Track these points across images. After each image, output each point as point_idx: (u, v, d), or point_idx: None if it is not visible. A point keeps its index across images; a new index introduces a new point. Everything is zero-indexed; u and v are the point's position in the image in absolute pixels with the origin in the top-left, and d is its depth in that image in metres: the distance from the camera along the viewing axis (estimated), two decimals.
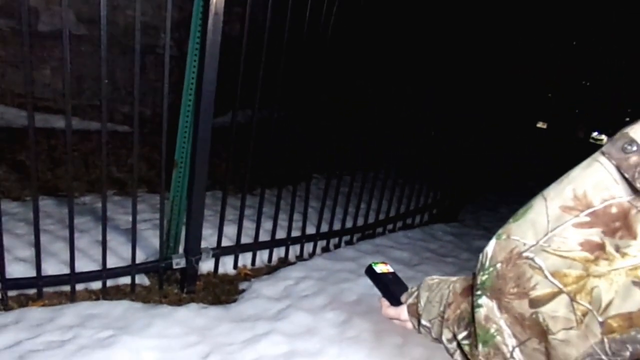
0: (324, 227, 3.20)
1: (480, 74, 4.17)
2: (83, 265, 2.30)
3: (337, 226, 3.28)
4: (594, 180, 0.55)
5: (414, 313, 0.87)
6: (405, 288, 0.94)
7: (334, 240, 3.34)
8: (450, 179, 4.45)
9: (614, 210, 0.53)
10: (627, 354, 0.52)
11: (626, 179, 0.52)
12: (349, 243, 3.41)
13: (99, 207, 2.21)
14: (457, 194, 4.67)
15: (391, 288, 0.95)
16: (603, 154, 0.55)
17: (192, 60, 2.21)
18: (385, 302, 0.95)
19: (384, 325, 2.16)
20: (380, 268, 1.00)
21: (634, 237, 0.51)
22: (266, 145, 2.66)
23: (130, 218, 2.31)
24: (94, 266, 2.35)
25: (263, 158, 2.75)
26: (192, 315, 2.24)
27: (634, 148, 0.52)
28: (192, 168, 2.35)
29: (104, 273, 2.29)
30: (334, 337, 2.16)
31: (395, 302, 0.93)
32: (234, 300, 2.50)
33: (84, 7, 4.11)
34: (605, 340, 0.53)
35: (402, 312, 0.90)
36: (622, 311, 0.51)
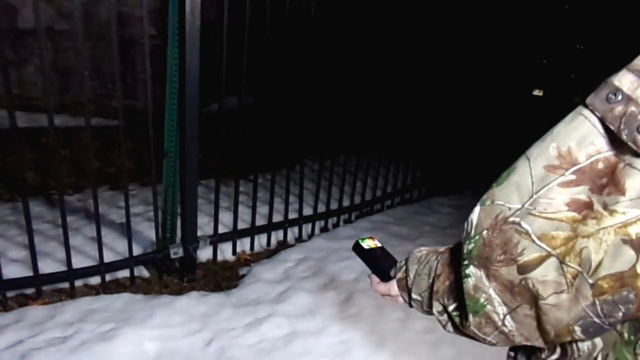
0: (322, 208, 3.19)
1: (472, 42, 4.09)
2: (80, 262, 2.29)
3: (334, 206, 3.27)
4: (578, 135, 0.52)
5: (404, 287, 0.85)
6: (394, 262, 0.92)
7: (332, 220, 3.32)
8: (446, 151, 4.41)
9: (600, 165, 0.50)
10: (620, 314, 0.50)
11: (611, 131, 0.49)
12: (348, 222, 3.40)
13: (92, 203, 2.19)
14: (454, 166, 4.64)
15: (380, 263, 0.93)
16: (586, 106, 0.52)
17: (172, 46, 2.16)
18: (375, 279, 0.92)
19: (385, 300, 2.15)
20: (367, 243, 0.97)
21: (622, 193, 0.48)
22: (257, 130, 2.63)
23: (124, 212, 2.29)
24: (91, 262, 2.34)
25: (255, 143, 2.71)
26: (193, 303, 2.24)
27: (619, 97, 0.48)
28: (182, 157, 2.32)
29: (102, 267, 2.28)
30: (335, 316, 2.16)
31: (385, 277, 0.90)
32: (235, 286, 2.50)
33: (66, 1, 4.01)
34: (597, 302, 0.50)
35: (392, 287, 0.88)
36: (613, 271, 0.49)
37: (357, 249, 0.97)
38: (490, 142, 6.00)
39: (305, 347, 1.93)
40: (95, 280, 2.34)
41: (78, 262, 2.24)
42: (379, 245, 0.98)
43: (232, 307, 2.24)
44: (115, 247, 2.55)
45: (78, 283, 2.26)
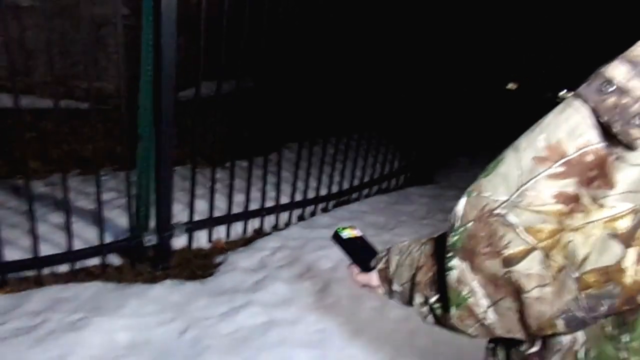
0: (299, 196, 3.16)
1: (447, 35, 4.10)
2: (47, 250, 2.20)
3: (311, 194, 3.25)
4: (568, 126, 0.51)
5: (385, 278, 0.83)
6: (374, 252, 0.90)
7: (309, 209, 3.31)
8: (423, 141, 4.44)
9: (589, 158, 0.49)
10: (604, 309, 0.50)
11: (602, 124, 0.48)
12: (325, 210, 3.39)
13: (60, 189, 2.10)
14: (431, 156, 4.68)
15: (360, 253, 0.91)
16: (577, 97, 0.51)
17: (147, 26, 2.07)
18: (354, 269, 0.91)
19: (362, 290, 2.16)
20: (347, 233, 0.95)
21: (612, 187, 0.47)
22: (234, 116, 2.57)
23: (94, 198, 2.21)
24: (59, 250, 2.25)
25: (232, 129, 2.66)
26: (167, 292, 2.20)
27: (611, 88, 0.47)
28: (158, 142, 2.25)
29: (71, 255, 2.20)
30: (311, 305, 2.16)
31: (365, 267, 0.89)
32: (210, 274, 2.46)
33: None
34: (581, 296, 0.50)
35: (372, 278, 0.87)
36: (599, 265, 0.48)
37: (337, 238, 0.95)
38: (465, 134, 6.07)
39: (281, 337, 1.92)
40: (63, 268, 2.26)
41: (45, 250, 2.16)
42: (359, 234, 0.96)
43: (207, 296, 2.20)
44: (85, 235, 2.47)
45: (45, 272, 2.18)
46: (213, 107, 2.49)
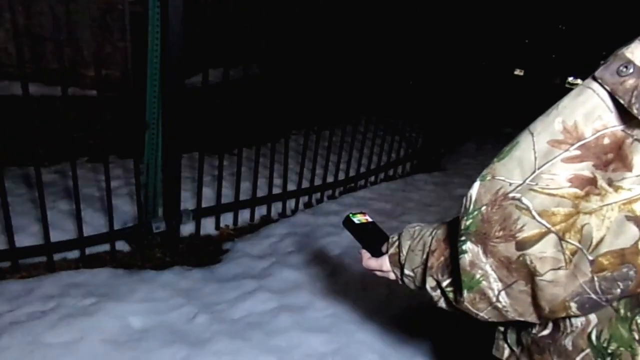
0: (306, 183, 3.17)
1: (455, 21, 4.05)
2: (57, 236, 2.22)
3: (318, 181, 3.25)
4: (585, 109, 0.51)
5: (396, 263, 0.84)
6: (385, 238, 0.91)
7: (316, 196, 3.32)
8: (430, 128, 4.42)
9: (606, 141, 0.49)
10: (618, 291, 0.51)
11: (621, 106, 0.48)
12: (332, 197, 3.39)
13: (70, 176, 2.12)
14: (438, 143, 4.66)
15: (371, 238, 0.92)
16: (595, 79, 0.51)
17: (154, 12, 2.06)
18: (365, 254, 0.92)
19: (371, 275, 2.18)
20: (358, 218, 0.96)
21: (629, 169, 0.47)
22: (242, 103, 2.57)
23: (104, 185, 2.23)
24: (69, 237, 2.28)
25: (240, 116, 2.66)
26: (177, 277, 2.22)
27: (631, 70, 0.47)
28: (165, 129, 2.25)
29: (82, 241, 2.23)
30: (321, 291, 2.18)
31: (376, 252, 0.90)
32: (219, 261, 2.48)
33: None
34: (596, 278, 0.50)
35: (384, 262, 0.87)
36: (614, 248, 0.48)
37: (348, 223, 0.96)
38: (471, 120, 6.03)
39: (291, 322, 1.94)
40: (74, 254, 2.29)
41: (56, 237, 2.19)
42: (370, 220, 0.97)
43: (217, 282, 2.23)
44: (94, 222, 2.50)
45: (56, 257, 2.21)
46: (220, 95, 2.49)
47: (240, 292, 2.13)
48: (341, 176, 3.44)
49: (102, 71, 3.72)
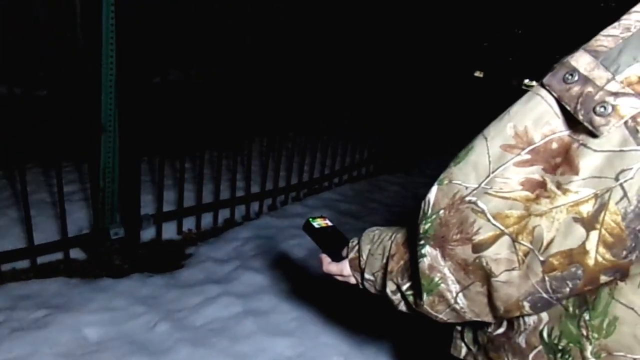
0: (270, 186, 3.14)
1: (415, 23, 4.13)
2: (8, 244, 2.11)
3: (282, 184, 3.23)
4: (535, 115, 0.52)
5: (357, 267, 0.84)
6: (346, 242, 0.90)
7: (280, 198, 3.29)
8: (392, 130, 4.48)
9: (554, 145, 0.51)
10: (567, 290, 0.52)
11: (567, 112, 0.49)
12: (296, 199, 3.38)
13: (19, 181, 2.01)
14: (400, 145, 4.73)
15: (331, 243, 0.91)
16: (543, 86, 0.52)
17: (108, 5, 1.97)
18: (326, 259, 0.91)
19: (334, 278, 2.17)
20: (318, 223, 0.95)
21: (576, 172, 0.49)
22: (203, 105, 2.52)
23: (57, 191, 2.13)
24: (22, 246, 2.17)
25: (202, 119, 2.60)
26: (137, 285, 2.15)
27: (576, 78, 0.49)
28: (122, 132, 2.18)
29: (32, 250, 2.12)
30: (285, 294, 2.16)
31: (337, 257, 0.89)
32: (181, 266, 2.42)
33: None
34: (547, 278, 0.52)
35: (344, 267, 0.87)
36: (563, 248, 0.50)
37: (308, 228, 0.95)
38: (433, 121, 6.15)
39: (256, 326, 1.91)
40: (24, 264, 2.17)
41: (4, 246, 2.07)
42: (330, 224, 0.97)
43: (179, 288, 2.17)
44: (47, 229, 2.38)
45: (5, 268, 2.09)
46: (181, 97, 2.43)
47: (203, 298, 2.08)
48: (305, 178, 3.44)
49: (55, 70, 3.57)
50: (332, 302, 2.15)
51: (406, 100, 4.41)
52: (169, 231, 2.69)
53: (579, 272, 0.50)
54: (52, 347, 1.68)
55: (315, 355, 1.80)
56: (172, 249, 2.62)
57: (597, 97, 0.47)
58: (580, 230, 0.49)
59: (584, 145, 0.48)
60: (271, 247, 2.60)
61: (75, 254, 2.34)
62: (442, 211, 0.59)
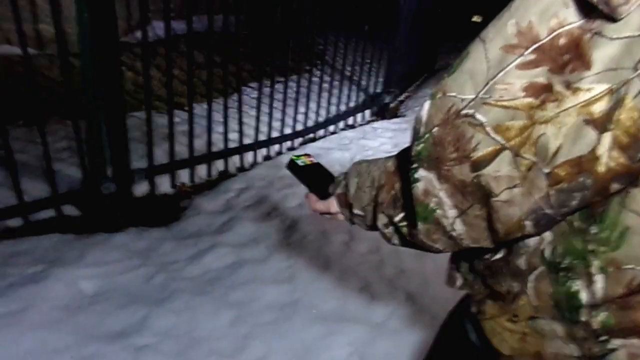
0: (263, 136, 3.07)
1: None
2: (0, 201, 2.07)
3: (276, 133, 3.16)
4: (540, 6, 0.45)
5: (344, 203, 0.79)
6: (332, 178, 0.85)
7: (274, 148, 3.23)
8: (385, 73, 4.35)
9: (562, 41, 0.44)
10: (574, 203, 0.47)
11: None
12: (291, 149, 3.32)
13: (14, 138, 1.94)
14: (394, 88, 4.61)
15: (317, 180, 0.86)
16: None
17: None
18: (312, 197, 0.86)
19: (329, 224, 2.15)
20: (302, 160, 0.90)
21: (588, 67, 0.43)
22: (192, 56, 2.39)
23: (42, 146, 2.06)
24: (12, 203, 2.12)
25: (191, 70, 2.49)
26: (132, 239, 2.13)
27: None
28: (105, 86, 2.08)
29: (23, 207, 2.08)
30: (280, 243, 2.15)
31: (323, 194, 0.84)
32: (176, 219, 2.40)
33: None
34: (551, 192, 0.47)
35: (331, 204, 0.82)
36: (571, 157, 0.45)
37: (292, 167, 0.89)
38: (431, 64, 6.00)
39: (250, 275, 1.91)
40: (16, 222, 2.14)
41: None
42: (315, 161, 0.92)
43: (174, 240, 2.16)
44: (39, 186, 2.33)
45: None
46: (166, 49, 2.31)
47: (198, 250, 2.07)
48: (299, 127, 3.36)
49: (33, 26, 3.40)
50: (328, 248, 2.15)
51: (399, 43, 4.24)
52: (164, 185, 2.65)
53: (588, 181, 0.45)
54: (48, 300, 1.67)
55: (310, 301, 1.80)
56: (166, 202, 2.59)
57: None
58: (591, 134, 0.43)
59: (598, 34, 0.42)
60: (265, 197, 2.57)
61: (70, 211, 2.31)
62: (435, 129, 0.53)
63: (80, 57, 2.05)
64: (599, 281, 0.52)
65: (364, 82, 4.26)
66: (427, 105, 0.55)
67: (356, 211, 0.77)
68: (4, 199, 2.17)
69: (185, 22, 2.40)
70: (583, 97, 0.43)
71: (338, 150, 3.31)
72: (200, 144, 2.75)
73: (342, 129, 3.83)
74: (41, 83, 2.12)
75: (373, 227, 0.76)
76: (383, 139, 3.67)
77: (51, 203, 2.18)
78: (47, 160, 2.08)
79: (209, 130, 2.69)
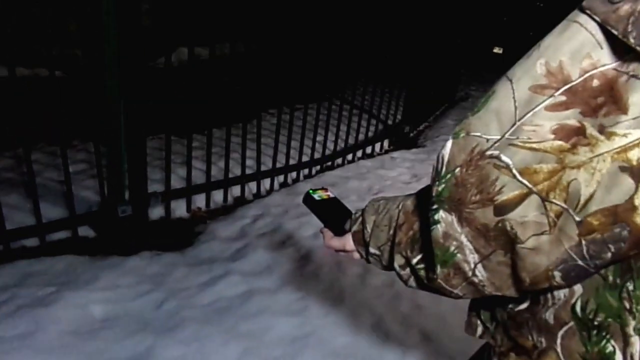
0: (281, 163, 3.07)
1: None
2: (18, 222, 2.09)
3: (293, 161, 3.16)
4: (572, 47, 0.42)
5: (360, 241, 0.76)
6: (349, 214, 0.82)
7: (292, 175, 3.22)
8: (406, 104, 4.35)
9: (595, 83, 0.41)
10: (609, 255, 0.43)
11: (613, 39, 0.40)
12: (308, 177, 3.31)
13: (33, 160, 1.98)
14: (414, 120, 4.60)
15: (333, 216, 0.83)
16: (583, 10, 0.42)
17: None
18: (328, 233, 0.83)
19: (342, 256, 2.10)
20: (319, 194, 0.87)
21: (624, 112, 0.39)
22: (211, 82, 2.43)
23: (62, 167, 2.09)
24: (30, 224, 2.14)
25: (210, 95, 2.53)
26: (145, 263, 2.12)
27: None
28: (127, 110, 2.11)
29: (41, 227, 2.10)
30: (293, 273, 2.10)
31: (340, 231, 0.81)
32: (190, 244, 2.38)
33: None
34: (583, 242, 0.43)
35: (347, 241, 0.79)
36: (605, 205, 0.41)
37: (308, 200, 0.87)
38: (450, 96, 5.99)
39: (262, 306, 1.87)
40: (33, 242, 2.16)
41: (16, 222, 2.05)
42: (332, 196, 0.89)
43: (186, 266, 2.13)
44: (57, 208, 2.36)
45: (14, 245, 2.07)
46: (188, 75, 2.35)
47: (210, 276, 2.04)
48: (317, 155, 3.36)
49: (60, 49, 3.52)
50: (342, 280, 2.09)
51: (420, 76, 4.26)
52: (179, 209, 2.65)
53: (624, 233, 0.41)
54: (57, 324, 1.66)
55: (322, 336, 1.74)
56: (181, 227, 2.58)
57: None
58: (628, 182, 0.40)
59: (636, 76, 0.39)
60: (281, 225, 2.54)
61: (85, 232, 2.32)
62: (458, 169, 0.50)
63: (107, 80, 2.09)
64: (637, 343, 0.47)
65: (383, 111, 4.27)
66: (449, 144, 0.52)
67: (372, 250, 0.74)
68: (21, 219, 2.20)
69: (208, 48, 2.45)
70: (619, 142, 0.40)
71: (355, 180, 3.28)
72: (216, 170, 2.76)
73: (360, 158, 3.81)
74: (65, 105, 2.16)
75: (389, 267, 0.72)
76: (401, 169, 3.63)
77: (68, 224, 2.20)
78: (67, 182, 2.10)
79: (227, 155, 2.70)
